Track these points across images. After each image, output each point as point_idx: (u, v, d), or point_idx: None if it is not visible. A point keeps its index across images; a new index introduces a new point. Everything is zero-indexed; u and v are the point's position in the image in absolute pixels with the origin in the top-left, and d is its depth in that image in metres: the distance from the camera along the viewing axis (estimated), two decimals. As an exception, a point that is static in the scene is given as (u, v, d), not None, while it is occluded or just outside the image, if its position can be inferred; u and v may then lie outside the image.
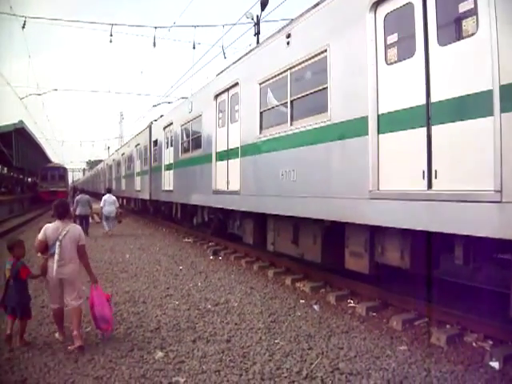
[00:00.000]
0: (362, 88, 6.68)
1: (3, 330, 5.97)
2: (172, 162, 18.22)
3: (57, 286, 5.91)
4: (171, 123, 18.64)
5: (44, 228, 5.99)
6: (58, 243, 5.79)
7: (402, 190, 6.03)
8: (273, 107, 9.76)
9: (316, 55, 7.92)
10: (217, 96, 12.90)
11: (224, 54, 19.53)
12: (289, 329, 6.46)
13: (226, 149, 12.21)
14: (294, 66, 8.64)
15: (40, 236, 5.92)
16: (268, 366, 5.13)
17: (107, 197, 19.37)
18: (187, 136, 16.35)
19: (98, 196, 40.17)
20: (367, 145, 6.53)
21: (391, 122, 6.26)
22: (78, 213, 18.11)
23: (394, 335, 6.19)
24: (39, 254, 6.24)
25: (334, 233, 8.00)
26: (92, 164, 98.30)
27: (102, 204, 19.25)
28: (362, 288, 8.12)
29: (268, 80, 9.68)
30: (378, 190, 6.42)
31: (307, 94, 8.34)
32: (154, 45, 19.77)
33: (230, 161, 11.94)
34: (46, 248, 5.90)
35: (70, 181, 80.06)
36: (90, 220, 20.22)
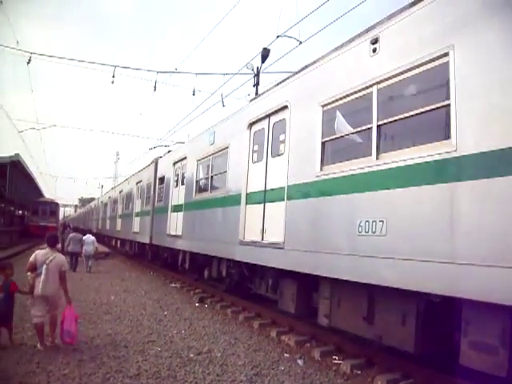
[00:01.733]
0: None
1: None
2: (182, 202, 15.70)
3: (41, 301, 7.38)
4: (184, 157, 16.25)
5: (35, 253, 7.63)
6: (45, 266, 7.33)
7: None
8: (343, 135, 7.56)
9: (428, 62, 5.82)
10: (252, 124, 10.74)
11: (223, 102, 19.92)
12: (271, 383, 6.34)
13: (262, 189, 9.92)
14: (383, 80, 6.52)
15: (31, 258, 7.55)
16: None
17: (86, 237, 20.82)
18: (205, 173, 14.02)
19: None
20: None
21: None
22: (70, 250, 19.25)
23: (378, 396, 6.08)
24: (28, 273, 7.50)
25: (439, 312, 6.06)
26: (84, 201, 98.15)
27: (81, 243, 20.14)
28: (348, 344, 8.02)
29: (337, 100, 7.50)
30: None
31: (410, 116, 6.06)
32: (155, 89, 20.26)
33: (268, 204, 9.66)
34: (34, 268, 7.41)
35: (60, 216, 79.63)
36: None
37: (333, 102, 7.60)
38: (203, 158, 14.10)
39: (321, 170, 7.70)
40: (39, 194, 66.25)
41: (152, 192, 20.90)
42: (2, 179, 37.17)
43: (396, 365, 6.93)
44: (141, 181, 24.26)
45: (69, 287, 7.90)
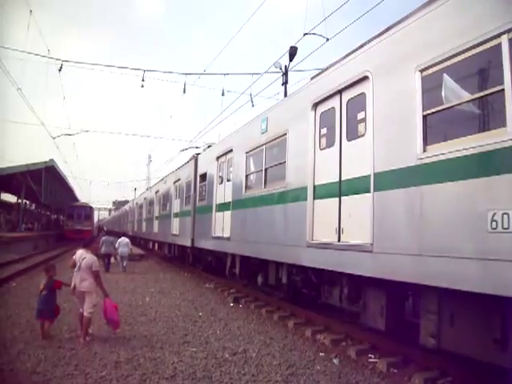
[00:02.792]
0: None
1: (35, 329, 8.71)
2: (230, 200, 14.13)
3: (80, 296, 8.42)
4: (229, 150, 14.69)
5: (76, 252, 8.84)
6: (78, 264, 8.43)
7: None
8: (457, 104, 5.88)
9: None
10: (317, 104, 9.16)
11: (252, 101, 19.91)
12: (307, 383, 6.31)
13: (335, 180, 8.29)
14: None
15: (74, 256, 8.73)
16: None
17: (121, 239, 22.03)
18: (257, 165, 12.41)
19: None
20: None
21: None
22: (102, 252, 20.60)
23: (416, 395, 5.97)
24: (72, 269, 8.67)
25: None
26: (118, 204, 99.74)
27: (117, 245, 21.58)
28: (384, 342, 7.89)
29: (444, 61, 5.96)
30: None
31: None
32: (184, 91, 20.44)
33: (345, 198, 8.01)
34: (74, 265, 8.51)
35: (95, 219, 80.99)
36: (112, 260, 22.06)
37: (437, 63, 6.04)
38: (254, 149, 12.55)
39: (424, 150, 6.15)
40: (74, 198, 67.70)
41: (192, 191, 19.14)
42: (37, 185, 38.13)
43: (434, 363, 6.77)
44: (179, 179, 22.52)
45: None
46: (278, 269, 11.34)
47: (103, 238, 22.00)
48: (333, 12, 12.62)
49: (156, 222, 29.04)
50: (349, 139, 8.08)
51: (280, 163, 10.76)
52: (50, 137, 31.89)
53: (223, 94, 21.73)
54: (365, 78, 7.57)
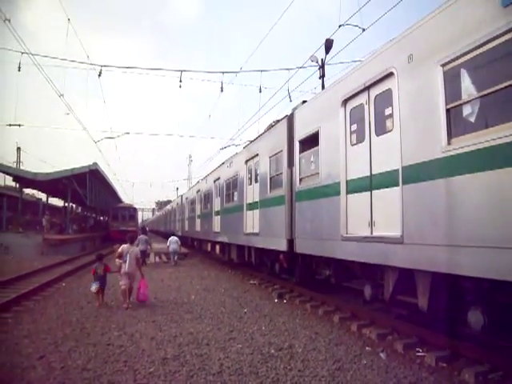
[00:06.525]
0: None
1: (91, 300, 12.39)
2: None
3: (126, 276, 11.80)
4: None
5: (122, 247, 12.15)
6: (128, 255, 11.85)
7: None
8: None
9: None
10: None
11: (290, 97, 19.83)
12: (354, 378, 6.25)
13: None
14: None
15: (120, 249, 12.10)
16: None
17: (171, 238, 25.07)
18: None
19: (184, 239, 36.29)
20: None
21: None
22: (140, 248, 21.93)
23: (467, 389, 5.84)
24: (117, 260, 12.02)
25: None
26: (161, 204, 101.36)
27: (168, 243, 25.01)
28: (432, 336, 7.73)
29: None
30: None
31: None
32: (222, 89, 20.57)
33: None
34: (121, 256, 11.88)
35: (139, 220, 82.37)
36: (148, 260, 25.13)
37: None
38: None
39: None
40: (118, 199, 69.05)
41: (286, 164, 12.72)
42: (82, 188, 39.06)
43: (484, 357, 6.58)
44: (256, 154, 16.02)
45: (151, 288, 13.37)
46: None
47: (139, 236, 23.87)
48: (367, 1, 12.36)
49: (216, 219, 22.98)
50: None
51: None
52: (93, 141, 32.65)
53: (260, 91, 21.79)
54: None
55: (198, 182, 32.40)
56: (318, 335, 8.64)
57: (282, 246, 12.63)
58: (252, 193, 16.47)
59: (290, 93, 19.80)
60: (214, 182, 22.68)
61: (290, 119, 12.79)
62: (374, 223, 8.23)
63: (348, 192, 9.18)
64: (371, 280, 9.08)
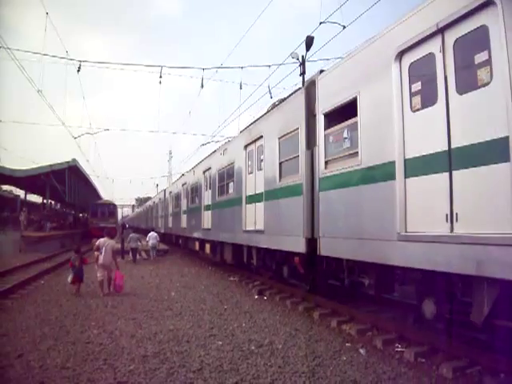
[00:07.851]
0: None
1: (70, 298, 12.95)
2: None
3: (102, 268, 13.07)
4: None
5: (99, 240, 13.44)
6: (104, 247, 13.09)
7: None
8: None
9: None
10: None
11: (270, 93, 19.79)
12: (334, 373, 6.27)
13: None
14: None
15: (97, 243, 13.40)
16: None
17: (151, 234, 26.41)
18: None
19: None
20: None
21: None
22: (131, 246, 24.33)
23: (445, 384, 5.91)
24: (96, 252, 13.26)
25: None
26: (141, 201, 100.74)
27: (147, 239, 26.39)
28: (411, 332, 7.81)
29: None
30: None
31: None
32: (202, 85, 20.49)
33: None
34: (98, 249, 13.16)
35: (119, 217, 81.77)
36: (138, 256, 24.91)
37: None
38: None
39: None
40: (97, 196, 68.53)
41: (304, 145, 10.36)
42: (61, 184, 38.68)
43: (462, 352, 6.66)
44: (260, 136, 13.44)
45: (130, 284, 14.49)
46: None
47: (131, 235, 25.16)
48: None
49: (207, 214, 20.30)
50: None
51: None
52: (72, 137, 32.25)
53: (241, 88, 21.73)
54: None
55: (183, 174, 30.48)
56: (298, 332, 8.66)
57: (299, 246, 10.28)
58: (254, 183, 13.87)
59: (271, 89, 19.78)
60: (204, 173, 20.46)
61: (309, 89, 10.41)
62: (456, 217, 5.94)
63: (407, 175, 6.88)
64: (436, 293, 7.02)
